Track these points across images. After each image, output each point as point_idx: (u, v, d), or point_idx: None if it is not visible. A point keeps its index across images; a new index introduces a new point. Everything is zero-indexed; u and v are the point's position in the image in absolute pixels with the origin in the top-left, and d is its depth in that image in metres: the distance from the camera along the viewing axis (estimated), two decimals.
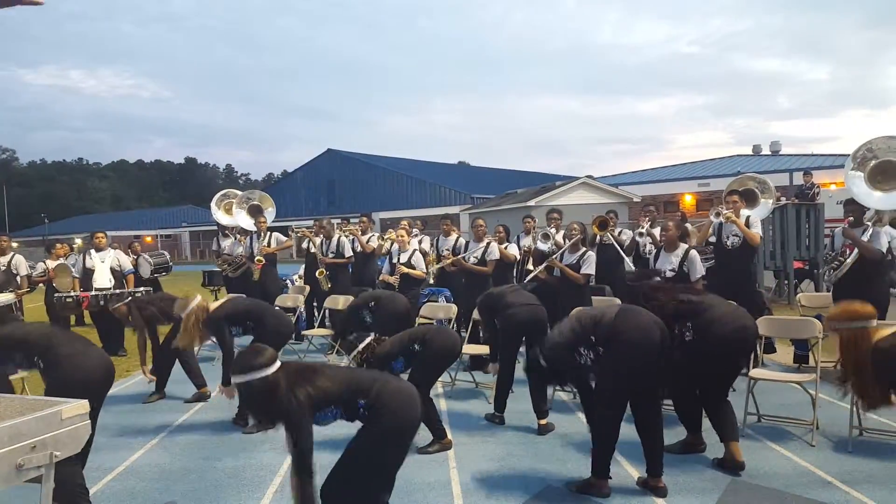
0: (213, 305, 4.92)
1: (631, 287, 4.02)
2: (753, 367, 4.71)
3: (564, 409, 5.12)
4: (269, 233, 8.62)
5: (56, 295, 7.93)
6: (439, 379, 6.13)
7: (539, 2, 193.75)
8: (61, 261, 9.12)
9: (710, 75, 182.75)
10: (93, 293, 7.98)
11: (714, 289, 5.94)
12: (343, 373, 2.85)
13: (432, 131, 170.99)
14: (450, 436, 4.40)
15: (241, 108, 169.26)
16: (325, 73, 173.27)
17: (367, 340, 4.11)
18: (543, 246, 7.35)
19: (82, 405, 1.64)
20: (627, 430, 3.46)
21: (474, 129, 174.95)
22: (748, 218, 5.99)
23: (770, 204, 6.83)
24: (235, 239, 8.97)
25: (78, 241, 11.46)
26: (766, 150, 33.74)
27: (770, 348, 6.41)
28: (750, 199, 6.54)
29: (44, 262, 9.57)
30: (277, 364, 2.61)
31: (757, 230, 5.95)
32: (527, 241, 7.93)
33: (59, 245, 10.01)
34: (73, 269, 8.54)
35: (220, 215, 9.50)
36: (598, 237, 7.09)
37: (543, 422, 4.63)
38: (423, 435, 4.34)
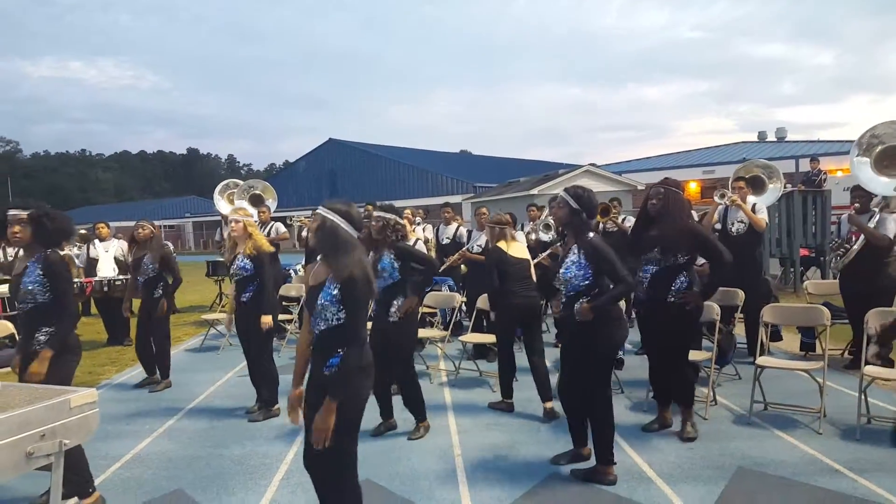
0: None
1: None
2: (760, 355, 4.70)
3: None
4: (271, 223, 8.62)
5: None
6: (443, 368, 6.17)
7: None
8: (65, 251, 9.12)
9: (714, 61, 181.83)
10: (96, 279, 8.02)
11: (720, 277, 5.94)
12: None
13: (434, 121, 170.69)
14: (453, 423, 4.40)
15: (242, 99, 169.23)
16: (326, 63, 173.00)
17: (396, 218, 4.25)
18: (545, 236, 7.34)
19: (90, 394, 1.64)
20: (628, 416, 3.47)
21: (476, 118, 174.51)
22: (754, 205, 5.95)
23: (779, 189, 6.71)
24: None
25: (82, 232, 11.47)
26: (771, 137, 33.53)
27: (776, 336, 6.39)
28: (757, 185, 6.48)
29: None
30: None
31: (763, 216, 5.91)
32: (527, 229, 7.92)
33: None
34: (76, 260, 8.57)
35: (223, 205, 9.50)
36: (600, 224, 7.06)
37: (549, 405, 4.64)
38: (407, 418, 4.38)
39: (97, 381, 6.24)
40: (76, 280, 7.92)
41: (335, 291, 2.54)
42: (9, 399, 1.58)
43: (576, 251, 3.49)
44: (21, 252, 3.60)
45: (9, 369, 3.65)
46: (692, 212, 4.42)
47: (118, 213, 49.67)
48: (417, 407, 4.37)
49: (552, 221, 7.41)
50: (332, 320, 2.56)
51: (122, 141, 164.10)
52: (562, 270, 3.50)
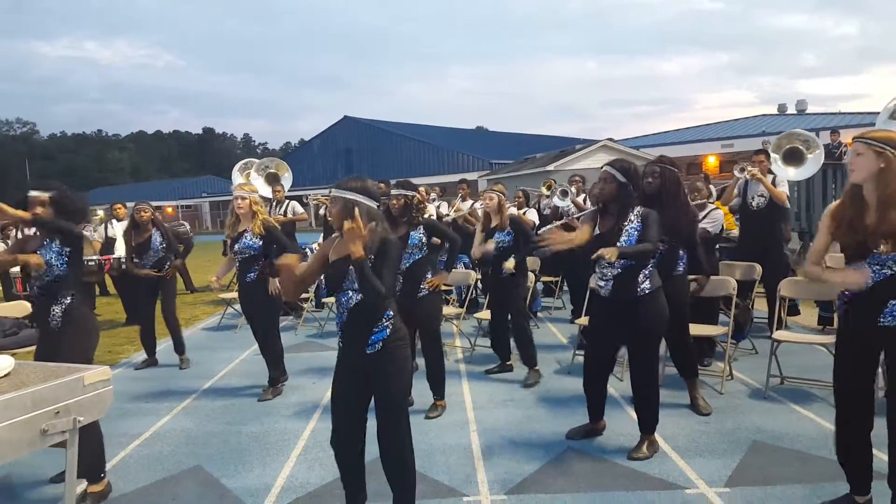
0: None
1: None
2: (777, 329, 4.64)
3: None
4: (287, 201, 8.63)
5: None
6: (458, 345, 6.19)
7: None
8: (85, 232, 9.24)
9: (735, 33, 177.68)
10: (115, 257, 8.12)
11: (741, 251, 5.87)
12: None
13: (449, 98, 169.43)
14: (468, 398, 4.42)
15: (257, 78, 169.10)
16: (341, 41, 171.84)
17: (416, 194, 4.27)
18: (560, 202, 7.29)
19: (104, 371, 1.66)
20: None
21: (492, 95, 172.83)
22: (774, 178, 5.84)
23: (820, 157, 6.24)
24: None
25: (100, 213, 11.60)
26: (791, 109, 32.82)
27: (794, 310, 6.32)
28: (795, 158, 6.23)
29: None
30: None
31: (784, 189, 5.79)
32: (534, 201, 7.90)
33: None
34: (93, 238, 8.68)
35: (246, 182, 9.48)
36: None
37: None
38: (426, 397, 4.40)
39: (116, 360, 6.35)
40: (94, 258, 8.04)
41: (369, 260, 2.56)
42: (23, 377, 1.60)
43: (633, 224, 3.38)
44: (33, 231, 3.64)
45: (23, 350, 3.71)
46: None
47: (135, 194, 49.99)
48: (439, 383, 4.38)
49: (569, 188, 7.35)
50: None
51: (139, 121, 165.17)
52: (623, 239, 3.35)
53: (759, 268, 5.21)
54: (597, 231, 3.49)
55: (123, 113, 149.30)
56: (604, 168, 3.49)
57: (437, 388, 4.39)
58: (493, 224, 5.06)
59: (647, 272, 3.39)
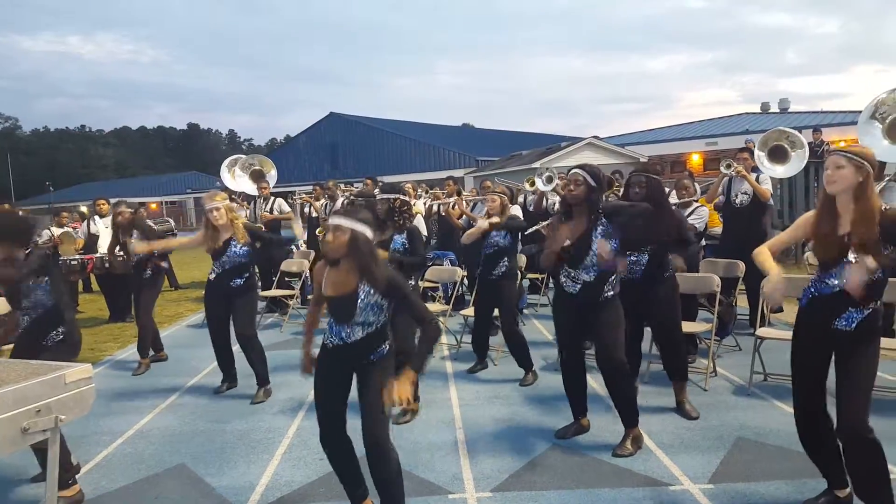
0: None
1: None
2: (760, 326, 4.70)
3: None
4: (273, 198, 8.58)
5: (61, 259, 7.95)
6: (444, 342, 6.19)
7: None
8: (66, 229, 9.12)
9: (719, 31, 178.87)
10: (97, 255, 8.02)
11: (724, 249, 5.93)
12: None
13: (436, 93, 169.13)
14: (454, 396, 4.42)
15: (242, 73, 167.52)
16: (327, 35, 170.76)
17: (401, 197, 4.23)
18: (544, 187, 7.31)
19: (86, 369, 1.64)
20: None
21: (478, 91, 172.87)
22: (758, 175, 5.91)
23: (803, 157, 6.33)
24: (238, 204, 8.94)
25: (83, 209, 11.46)
26: (774, 108, 33.13)
27: (778, 308, 6.39)
28: (779, 155, 6.29)
29: (49, 230, 9.59)
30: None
31: (767, 187, 5.86)
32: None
33: (64, 213, 10.01)
34: (77, 236, 8.56)
35: (228, 180, 9.43)
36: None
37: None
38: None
39: (99, 358, 6.28)
40: (77, 257, 7.93)
41: (377, 299, 2.60)
42: (4, 375, 1.57)
43: (601, 229, 3.43)
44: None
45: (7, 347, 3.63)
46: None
47: (119, 190, 49.53)
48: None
49: (555, 174, 7.37)
50: (375, 325, 2.64)
51: (123, 116, 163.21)
52: (590, 256, 3.41)
53: (742, 265, 5.26)
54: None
55: (108, 108, 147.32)
56: (573, 171, 3.52)
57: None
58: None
59: (612, 281, 3.49)
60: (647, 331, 4.29)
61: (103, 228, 8.50)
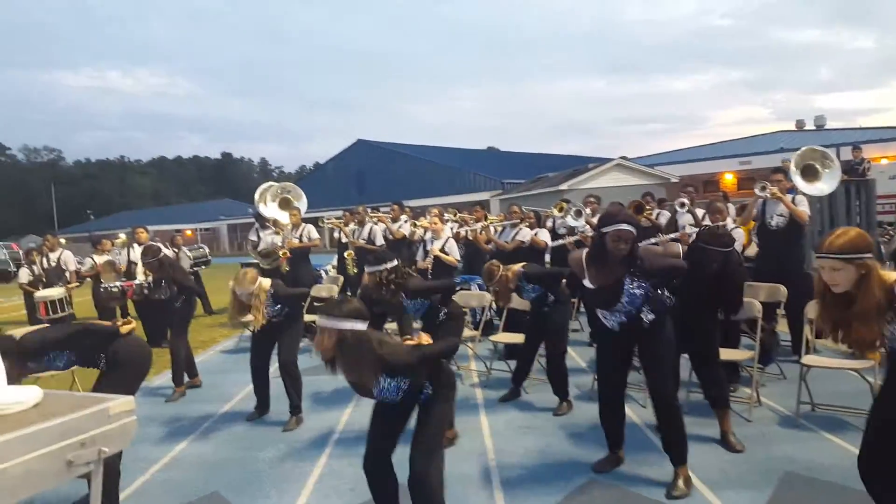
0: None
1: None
2: (805, 354, 4.53)
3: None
4: (303, 225, 8.68)
5: (101, 286, 8.13)
6: (474, 368, 6.12)
7: None
8: (107, 256, 9.35)
9: (746, 49, 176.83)
10: (136, 282, 8.18)
11: (761, 272, 5.77)
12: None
13: (460, 118, 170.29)
14: (485, 425, 4.34)
15: (272, 103, 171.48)
16: (351, 64, 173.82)
17: (394, 263, 4.19)
18: (574, 222, 7.26)
19: (128, 401, 1.65)
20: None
21: (502, 114, 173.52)
22: (794, 197, 5.77)
23: (836, 175, 6.19)
24: (272, 230, 9.07)
25: (122, 237, 11.74)
26: (810, 125, 32.58)
27: (821, 332, 6.17)
28: (810, 174, 6.16)
29: (91, 258, 9.83)
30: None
31: (804, 208, 5.71)
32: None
33: (104, 241, 10.28)
34: (118, 264, 8.77)
35: (262, 207, 9.57)
36: None
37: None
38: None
39: None
40: (117, 283, 8.09)
41: (400, 384, 2.67)
42: (51, 407, 1.59)
43: (635, 281, 3.27)
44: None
45: (47, 374, 3.69)
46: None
47: (156, 218, 50.77)
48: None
49: (584, 208, 7.32)
50: (400, 393, 2.71)
51: (159, 147, 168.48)
52: (622, 303, 3.28)
53: (783, 289, 5.10)
54: (589, 283, 3.35)
55: (145, 140, 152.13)
56: (623, 227, 3.17)
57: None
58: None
59: (647, 309, 3.34)
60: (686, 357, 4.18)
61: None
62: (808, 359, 4.31)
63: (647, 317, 3.34)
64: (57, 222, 56.27)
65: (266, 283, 4.78)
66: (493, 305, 7.19)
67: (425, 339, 2.72)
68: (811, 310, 4.59)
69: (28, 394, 1.65)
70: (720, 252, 3.78)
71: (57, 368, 3.31)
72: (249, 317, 5.08)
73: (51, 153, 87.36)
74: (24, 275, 9.39)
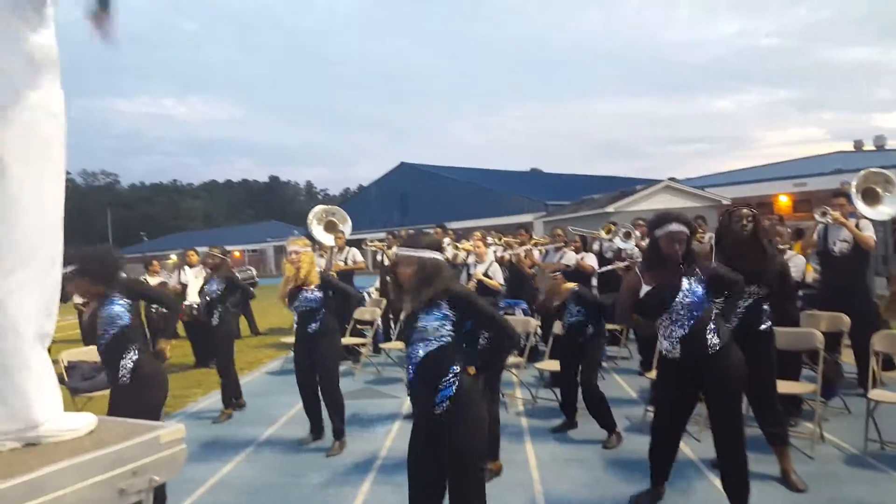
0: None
1: None
2: (873, 388, 4.28)
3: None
4: (347, 249, 8.78)
5: (153, 307, 8.35)
6: (519, 396, 6.00)
7: (603, 2, 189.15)
8: (160, 278, 9.64)
9: (793, 68, 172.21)
10: (186, 303, 8.39)
11: (823, 300, 5.52)
12: None
13: (503, 139, 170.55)
14: (531, 455, 4.23)
15: (318, 127, 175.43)
16: (387, 84, 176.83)
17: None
18: (623, 245, 7.11)
19: (179, 429, 1.66)
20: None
21: (545, 135, 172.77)
22: (858, 222, 5.51)
23: None
24: (317, 253, 9.19)
25: (173, 257, 12.11)
26: (869, 145, 31.35)
27: (890, 365, 5.83)
28: (871, 197, 5.90)
29: (144, 279, 10.15)
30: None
31: (870, 233, 5.44)
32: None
33: (154, 262, 10.61)
34: (171, 285, 9.05)
35: (314, 230, 9.72)
36: None
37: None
38: None
39: (184, 404, 6.47)
40: None
41: (444, 310, 2.59)
42: (104, 434, 1.61)
43: (693, 279, 3.17)
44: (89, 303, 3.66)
45: (99, 393, 3.80)
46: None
47: (206, 239, 52.14)
48: (493, 444, 4.19)
49: (633, 230, 7.18)
50: (438, 340, 2.57)
51: (210, 171, 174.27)
52: (679, 299, 3.14)
53: (846, 319, 4.85)
54: (645, 288, 3.26)
55: (197, 164, 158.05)
56: (675, 229, 3.16)
57: (491, 450, 4.17)
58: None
59: (712, 326, 3.17)
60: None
61: (192, 278, 8.93)
62: (875, 393, 4.07)
63: (713, 340, 3.14)
64: (112, 243, 58.51)
65: (315, 256, 4.86)
66: (539, 332, 7.10)
67: (470, 370, 2.67)
68: (878, 341, 4.36)
69: (82, 421, 1.67)
70: (747, 212, 3.73)
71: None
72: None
73: (108, 177, 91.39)
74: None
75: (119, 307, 3.46)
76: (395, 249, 8.65)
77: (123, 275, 3.63)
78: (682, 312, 3.14)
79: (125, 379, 3.43)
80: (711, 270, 3.25)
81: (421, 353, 2.58)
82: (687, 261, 3.19)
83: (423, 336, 2.58)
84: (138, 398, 3.33)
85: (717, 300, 3.36)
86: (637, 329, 3.77)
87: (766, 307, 3.77)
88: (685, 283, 3.13)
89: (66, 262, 3.45)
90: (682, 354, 3.18)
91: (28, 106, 1.55)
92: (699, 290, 3.13)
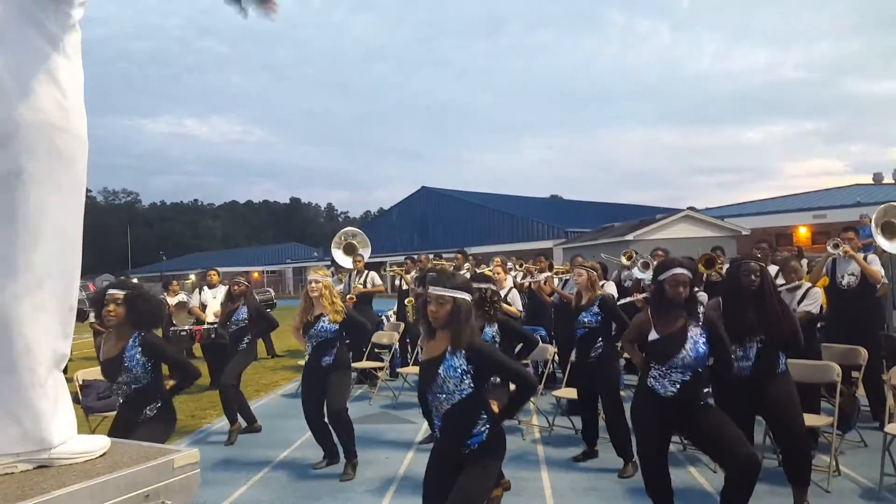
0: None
1: None
2: (889, 422, 4.20)
3: (674, 462, 4.79)
4: (366, 272, 8.85)
5: (172, 329, 8.47)
6: (535, 423, 5.97)
7: (631, 38, 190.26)
8: (179, 298, 9.77)
9: (820, 101, 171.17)
10: (205, 327, 8.49)
11: (830, 332, 5.48)
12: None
13: (523, 167, 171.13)
14: (547, 484, 4.20)
15: (340, 151, 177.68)
16: (417, 114, 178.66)
17: (492, 286, 4.28)
18: (642, 275, 7.08)
19: (193, 454, 1.68)
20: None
21: (566, 163, 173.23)
22: (867, 255, 5.51)
23: None
24: (335, 276, 9.27)
25: (192, 277, 12.29)
26: (888, 178, 30.98)
27: None
28: (891, 231, 5.87)
29: (162, 299, 10.30)
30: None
31: (878, 267, 5.42)
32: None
33: (174, 282, 10.77)
34: (190, 305, 9.17)
35: (338, 255, 9.80)
36: (704, 275, 6.74)
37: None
38: None
39: (199, 425, 6.52)
40: (186, 327, 8.42)
41: (462, 364, 2.60)
42: (117, 457, 1.64)
43: (697, 333, 3.23)
44: (108, 334, 3.77)
45: (113, 413, 3.87)
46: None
47: (225, 259, 52.99)
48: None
49: (651, 260, 7.15)
50: (456, 393, 2.61)
51: (231, 191, 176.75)
52: (684, 354, 3.19)
53: (864, 352, 4.78)
54: (654, 334, 3.31)
55: (218, 184, 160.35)
56: (679, 272, 3.25)
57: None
58: (583, 301, 4.92)
59: (708, 383, 3.29)
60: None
61: (211, 299, 9.04)
62: (892, 427, 3.99)
63: (706, 396, 3.25)
64: (131, 262, 59.34)
65: (334, 286, 4.92)
66: (557, 358, 7.06)
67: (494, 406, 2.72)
68: (895, 375, 4.29)
69: (96, 444, 1.67)
70: (755, 265, 3.70)
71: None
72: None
73: (128, 195, 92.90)
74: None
75: (139, 365, 3.56)
76: (413, 274, 8.78)
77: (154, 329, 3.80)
78: (681, 365, 3.21)
79: (142, 418, 3.55)
80: (710, 326, 3.26)
81: (446, 405, 2.64)
82: (689, 306, 3.26)
83: (444, 388, 2.62)
84: (147, 432, 3.38)
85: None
86: (633, 361, 3.80)
87: (780, 353, 3.70)
88: (690, 340, 3.21)
89: (120, 287, 3.60)
90: (677, 395, 3.22)
91: (50, 125, 1.52)
92: (702, 347, 3.20)
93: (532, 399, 6.06)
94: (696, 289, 3.44)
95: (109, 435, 1.92)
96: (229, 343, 6.24)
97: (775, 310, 3.59)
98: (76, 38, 1.63)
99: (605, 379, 4.80)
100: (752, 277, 3.62)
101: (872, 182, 31.54)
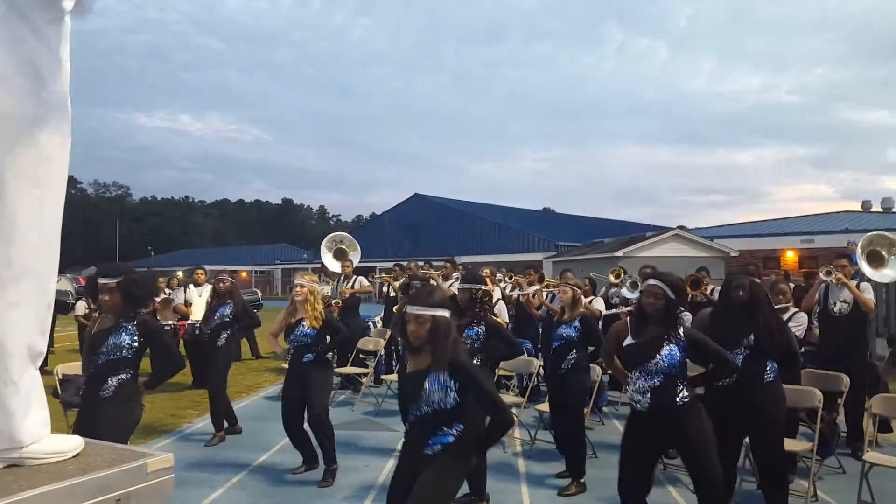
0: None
1: None
2: (868, 451, 4.23)
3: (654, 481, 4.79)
4: (354, 277, 8.83)
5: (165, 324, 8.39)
6: (517, 437, 5.96)
7: (628, 55, 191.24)
8: (164, 295, 9.69)
9: (812, 126, 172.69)
10: (188, 323, 8.43)
11: (822, 359, 5.50)
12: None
13: (517, 177, 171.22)
14: (526, 498, 4.18)
15: (335, 153, 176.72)
16: (415, 120, 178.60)
17: (483, 287, 4.33)
18: (630, 294, 7.11)
19: (167, 459, 1.66)
20: None
21: (560, 176, 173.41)
22: (859, 283, 5.55)
23: None
24: (322, 280, 9.24)
25: (179, 274, 12.19)
26: (876, 207, 31.33)
27: (886, 427, 5.77)
28: (875, 260, 5.95)
29: (153, 275, 10.20)
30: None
31: (870, 296, 5.47)
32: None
33: (160, 279, 10.67)
34: (175, 302, 9.10)
35: (327, 258, 9.77)
36: (689, 296, 6.77)
37: None
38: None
39: (179, 425, 6.46)
40: (169, 323, 8.36)
41: (444, 378, 2.61)
42: (90, 459, 1.61)
43: (673, 343, 3.25)
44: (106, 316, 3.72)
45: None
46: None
47: (215, 257, 52.57)
48: (479, 484, 4.17)
49: (640, 280, 7.18)
50: (440, 404, 2.62)
51: (224, 189, 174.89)
52: (657, 360, 3.22)
53: (846, 378, 4.82)
54: (629, 339, 3.36)
55: (210, 181, 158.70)
56: (651, 282, 3.33)
57: (478, 487, 4.14)
58: (565, 317, 4.93)
59: (683, 382, 3.27)
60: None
61: (196, 297, 8.98)
62: (871, 455, 4.03)
63: (681, 394, 3.22)
64: (119, 256, 58.79)
65: (321, 290, 4.93)
66: (541, 371, 7.06)
67: None
68: (876, 403, 4.33)
69: (68, 444, 1.63)
70: (744, 280, 3.77)
71: None
72: (285, 364, 5.20)
73: (119, 189, 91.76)
74: (82, 307, 9.78)
75: (128, 338, 3.52)
76: (401, 281, 8.79)
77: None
78: (653, 370, 3.23)
79: (106, 393, 3.43)
80: (692, 336, 3.32)
81: (426, 408, 2.66)
82: (668, 319, 3.27)
83: (429, 401, 2.64)
84: (113, 414, 3.35)
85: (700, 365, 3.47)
86: (612, 372, 3.81)
87: (768, 363, 3.71)
88: (665, 347, 3.23)
89: (110, 274, 3.57)
90: (650, 405, 3.24)
91: (30, 120, 1.48)
92: (677, 355, 3.23)
93: (515, 412, 6.06)
94: (681, 309, 3.43)
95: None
96: (208, 337, 6.18)
97: (768, 324, 3.63)
98: (63, 28, 1.58)
99: (572, 388, 4.79)
100: (741, 292, 3.66)
101: (861, 210, 31.90)
